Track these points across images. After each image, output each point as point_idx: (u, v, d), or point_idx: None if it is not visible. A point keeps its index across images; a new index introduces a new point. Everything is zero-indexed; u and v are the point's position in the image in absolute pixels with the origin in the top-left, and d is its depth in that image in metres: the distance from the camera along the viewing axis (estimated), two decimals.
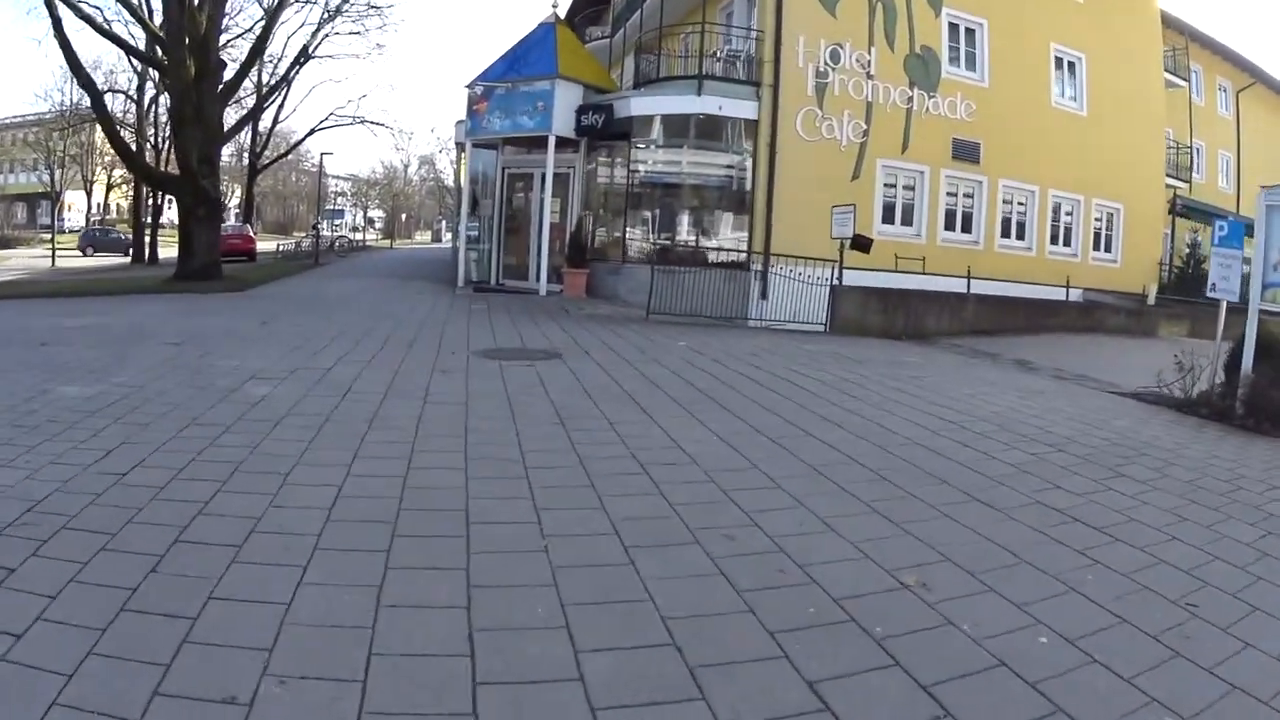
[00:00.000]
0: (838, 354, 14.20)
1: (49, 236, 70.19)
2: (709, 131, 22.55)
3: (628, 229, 22.42)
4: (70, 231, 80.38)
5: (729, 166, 22.78)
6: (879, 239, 22.70)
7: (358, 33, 56.34)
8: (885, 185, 23.86)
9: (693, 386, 10.33)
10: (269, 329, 14.18)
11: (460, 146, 26.82)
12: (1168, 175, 30.91)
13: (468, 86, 23.46)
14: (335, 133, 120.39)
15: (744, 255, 21.50)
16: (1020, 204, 26.46)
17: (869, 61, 23.22)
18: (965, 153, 24.73)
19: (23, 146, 69.68)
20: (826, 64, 22.60)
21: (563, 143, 22.13)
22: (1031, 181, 26.19)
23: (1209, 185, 34.67)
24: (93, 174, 73.62)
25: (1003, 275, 24.30)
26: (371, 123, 58.92)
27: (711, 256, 21.30)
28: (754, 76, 22.39)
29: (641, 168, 22.37)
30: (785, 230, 21.62)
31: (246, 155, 59.67)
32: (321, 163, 57.49)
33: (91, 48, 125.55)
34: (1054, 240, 27.31)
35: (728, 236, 22.66)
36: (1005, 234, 26.09)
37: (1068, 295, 25.45)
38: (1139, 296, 28.16)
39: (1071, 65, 27.10)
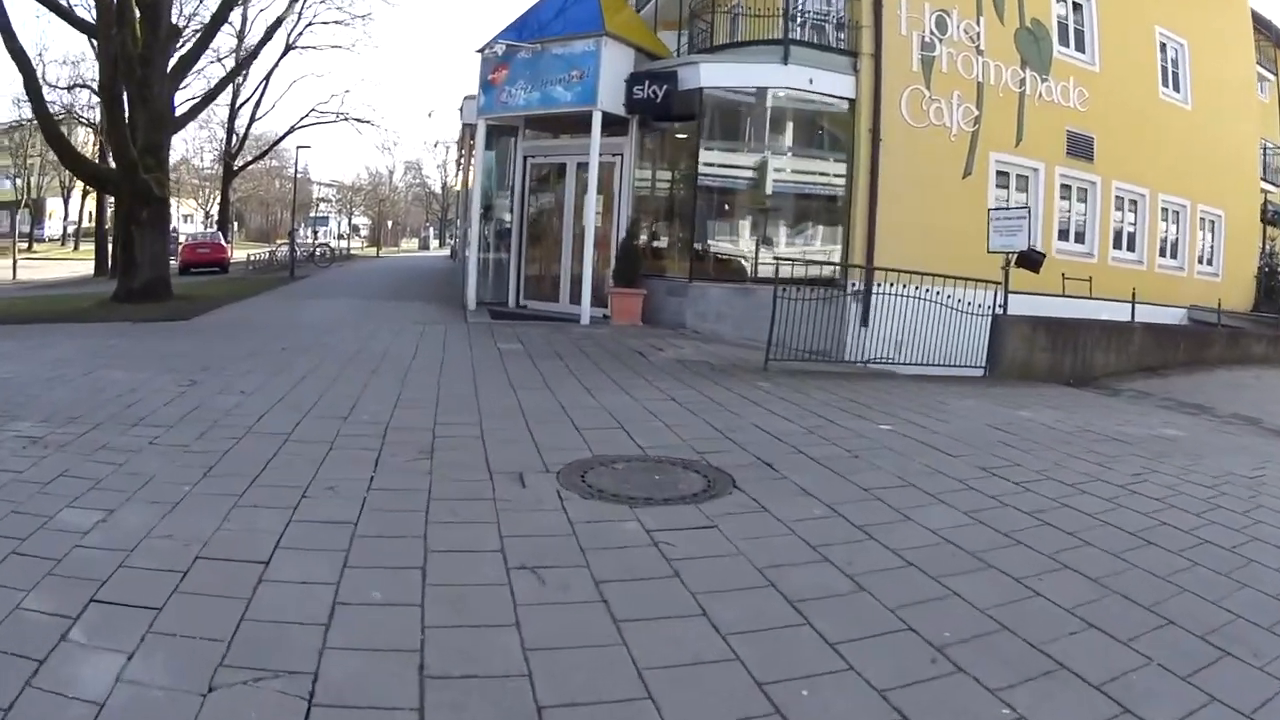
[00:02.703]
0: (1084, 430, 8.25)
1: (29, 244, 63.05)
2: (794, 112, 16.08)
3: (697, 237, 15.79)
4: (49, 240, 72.78)
5: (822, 156, 16.38)
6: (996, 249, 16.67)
7: (341, 21, 49.41)
8: (998, 185, 17.55)
9: (1099, 586, 4.19)
10: (195, 395, 7.75)
11: (469, 129, 19.83)
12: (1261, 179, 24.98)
13: (480, 50, 16.65)
14: (319, 136, 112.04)
15: (836, 270, 15.33)
16: (1131, 210, 20.48)
17: (978, 34, 17.12)
18: (1079, 148, 18.84)
19: (2, 153, 61.88)
20: (932, 33, 16.46)
21: (607, 122, 15.47)
22: (1142, 184, 20.39)
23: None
24: (70, 179, 66.10)
25: (1116, 293, 18.40)
26: (356, 119, 51.19)
27: (795, 271, 14.99)
28: (848, 44, 15.98)
29: (713, 157, 15.70)
30: (890, 239, 15.58)
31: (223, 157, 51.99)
32: (297, 159, 49.71)
33: (71, 44, 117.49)
34: (1161, 251, 21.31)
35: (814, 246, 16.27)
36: (1117, 245, 20.12)
37: (1218, 319, 19.55)
38: (1248, 316, 22.48)
39: (1175, 53, 21.19)
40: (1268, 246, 26.04)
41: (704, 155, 15.56)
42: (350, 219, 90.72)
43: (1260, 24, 25.26)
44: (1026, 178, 18.09)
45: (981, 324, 12.60)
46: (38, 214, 70.60)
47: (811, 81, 15.38)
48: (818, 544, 4.43)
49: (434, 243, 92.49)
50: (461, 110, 20.88)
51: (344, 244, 68.52)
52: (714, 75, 15.30)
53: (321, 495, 4.82)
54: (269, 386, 8.15)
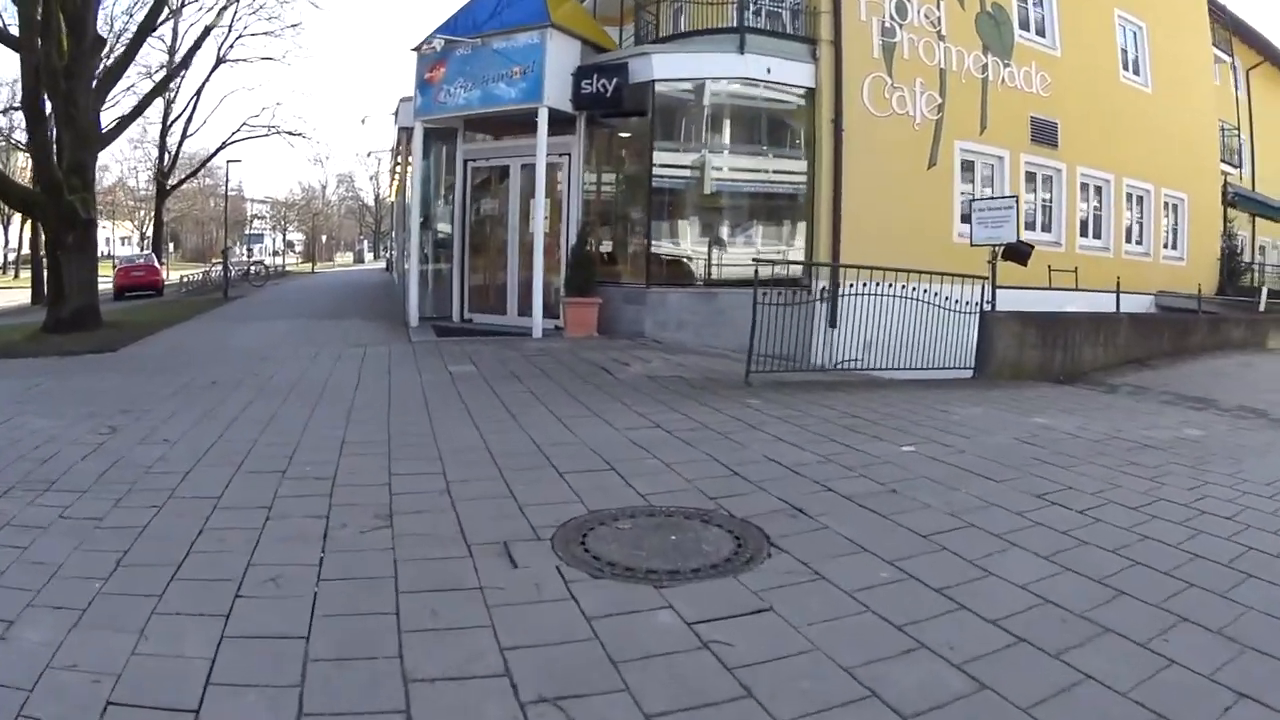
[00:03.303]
0: (1111, 437, 7.58)
1: None
2: (752, 104, 15.28)
3: (653, 240, 14.78)
4: None
5: (782, 150, 15.64)
6: (963, 243, 15.92)
7: (271, 33, 48.20)
8: (963, 174, 16.90)
9: (1226, 640, 3.56)
10: (115, 445, 6.69)
11: (405, 133, 18.55)
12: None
13: (416, 48, 15.48)
14: (252, 153, 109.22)
15: (802, 270, 14.40)
16: (1096, 196, 19.96)
17: (939, 18, 16.48)
18: (1044, 135, 18.31)
19: None
20: (892, 18, 15.76)
21: (554, 121, 14.38)
22: (1106, 169, 19.90)
23: None
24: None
25: (1083, 282, 18.03)
26: (288, 133, 49.50)
27: (760, 272, 14.27)
28: (806, 31, 15.17)
29: (667, 154, 14.78)
30: (855, 234, 14.88)
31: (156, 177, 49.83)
32: (227, 174, 47.71)
33: (9, 66, 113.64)
34: (1127, 238, 20.87)
35: (776, 245, 15.41)
36: (1083, 232, 19.62)
37: (1199, 305, 18.92)
38: (1220, 300, 21.94)
39: (1134, 35, 20.73)
40: (1228, 228, 25.80)
41: (657, 152, 14.63)
42: (284, 235, 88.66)
43: (1213, 6, 24.92)
44: (992, 166, 17.53)
45: (965, 322, 11.82)
46: None
47: (769, 71, 14.57)
48: (903, 622, 3.55)
49: (368, 255, 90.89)
50: (397, 114, 19.61)
51: (278, 260, 66.54)
52: (667, 66, 14.38)
53: (260, 592, 3.78)
54: (196, 433, 7.04)
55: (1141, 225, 21.24)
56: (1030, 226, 18.13)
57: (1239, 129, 26.64)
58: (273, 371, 10.73)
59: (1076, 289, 17.26)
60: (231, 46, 40.74)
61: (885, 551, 4.38)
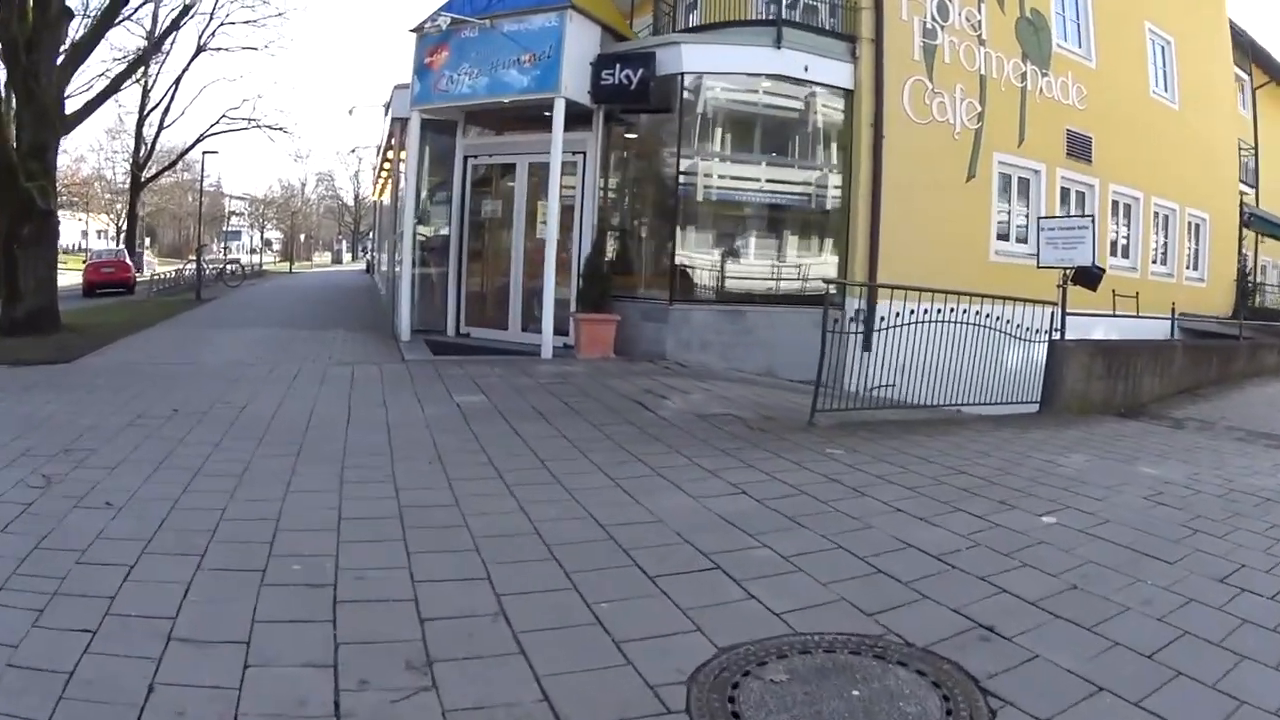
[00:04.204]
0: (1229, 489, 6.67)
1: None
2: (786, 104, 13.73)
3: (677, 251, 13.10)
4: None
5: (818, 155, 14.04)
6: (1000, 261, 14.61)
7: (254, 21, 46.69)
8: (1000, 188, 15.62)
9: None
10: (47, 509, 4.97)
11: (399, 124, 16.42)
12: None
13: (415, 29, 13.64)
14: (232, 148, 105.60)
15: (831, 288, 12.61)
16: (1125, 215, 18.71)
17: (979, 22, 15.11)
18: (1078, 149, 17.00)
19: None
20: (934, 19, 14.34)
21: (569, 115, 12.64)
22: (1136, 186, 18.65)
23: None
24: None
25: (1113, 304, 16.60)
26: (269, 127, 47.31)
27: (788, 288, 13.43)
28: (845, 28, 13.76)
29: (694, 155, 13.19)
30: (894, 249, 13.44)
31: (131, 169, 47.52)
32: (203, 165, 44.91)
33: None
34: (1152, 258, 19.67)
35: (811, 259, 13.97)
36: (1112, 251, 18.23)
37: (1240, 331, 17.91)
38: (1247, 324, 20.44)
39: (1163, 50, 19.49)
40: (1241, 249, 24.66)
41: (684, 153, 12.97)
42: (263, 233, 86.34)
43: (1232, 25, 23.75)
44: (1028, 180, 16.14)
45: (1019, 349, 10.36)
46: None
47: (807, 69, 13.07)
48: None
49: (347, 256, 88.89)
50: (389, 104, 17.57)
51: (256, 259, 64.10)
52: (698, 59, 12.78)
53: None
54: (148, 494, 5.33)
55: (1166, 245, 20.06)
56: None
57: (1254, 149, 25.42)
58: (246, 398, 8.92)
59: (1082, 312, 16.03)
60: (213, 34, 39.07)
61: (1122, 688, 3.16)
